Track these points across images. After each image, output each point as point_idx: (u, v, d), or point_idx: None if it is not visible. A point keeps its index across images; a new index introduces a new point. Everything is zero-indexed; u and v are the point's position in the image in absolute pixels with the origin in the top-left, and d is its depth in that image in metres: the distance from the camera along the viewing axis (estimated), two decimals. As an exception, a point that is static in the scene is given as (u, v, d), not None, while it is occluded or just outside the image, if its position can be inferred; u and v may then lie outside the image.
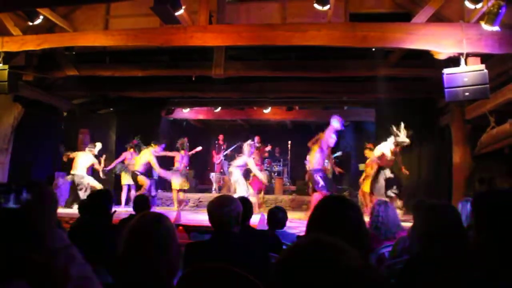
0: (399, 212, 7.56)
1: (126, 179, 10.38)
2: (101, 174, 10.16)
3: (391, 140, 8.33)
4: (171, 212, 8.18)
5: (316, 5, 6.44)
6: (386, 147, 8.40)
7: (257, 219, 6.06)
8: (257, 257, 2.52)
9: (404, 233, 3.71)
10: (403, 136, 8.21)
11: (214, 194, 11.93)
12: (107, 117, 12.05)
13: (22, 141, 9.81)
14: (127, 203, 9.96)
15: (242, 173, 9.49)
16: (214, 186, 13.39)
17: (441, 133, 9.82)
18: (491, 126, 7.39)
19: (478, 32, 6.04)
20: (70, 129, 11.47)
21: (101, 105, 11.85)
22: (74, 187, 9.78)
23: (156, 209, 9.07)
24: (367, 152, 9.90)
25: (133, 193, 10.10)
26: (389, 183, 8.44)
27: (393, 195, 8.23)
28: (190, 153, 11.02)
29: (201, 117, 14.19)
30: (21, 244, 1.13)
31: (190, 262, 2.53)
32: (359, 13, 7.45)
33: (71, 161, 9.92)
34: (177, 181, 10.33)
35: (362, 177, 9.95)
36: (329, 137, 8.45)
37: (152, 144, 9.97)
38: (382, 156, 8.43)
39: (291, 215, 6.12)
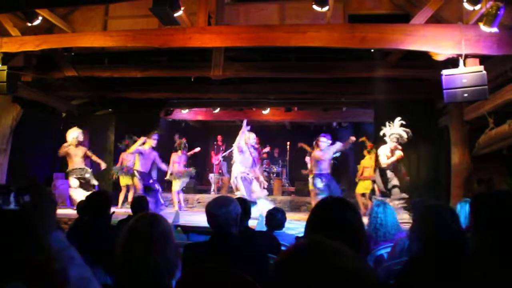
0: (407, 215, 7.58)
1: (125, 181, 10.37)
2: (102, 165, 10.10)
3: (388, 138, 8.33)
4: (170, 213, 8.18)
5: (315, 6, 6.44)
6: (386, 149, 8.40)
7: (255, 221, 6.06)
8: (255, 258, 2.52)
9: (403, 234, 3.71)
10: (397, 128, 8.24)
11: (212, 195, 11.93)
12: (106, 118, 12.04)
13: (21, 142, 9.80)
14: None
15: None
16: (213, 187, 13.39)
17: (440, 134, 9.83)
18: (490, 127, 7.40)
19: (476, 34, 6.05)
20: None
21: (99, 106, 11.84)
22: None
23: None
24: (366, 160, 10.01)
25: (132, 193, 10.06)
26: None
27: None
28: (189, 153, 11.01)
29: (200, 118, 14.18)
30: (20, 246, 1.13)
31: (189, 263, 2.53)
32: (358, 14, 7.46)
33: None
34: (177, 183, 10.33)
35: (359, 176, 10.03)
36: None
37: (147, 141, 9.81)
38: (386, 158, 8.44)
39: (290, 216, 6.12)
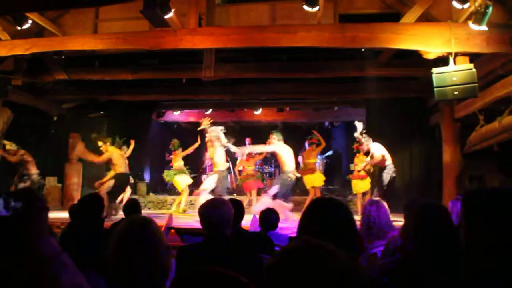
0: None
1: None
2: None
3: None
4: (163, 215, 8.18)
5: (305, 7, 6.46)
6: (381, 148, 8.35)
7: (249, 221, 6.06)
8: (249, 259, 2.52)
9: (396, 232, 3.72)
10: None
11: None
12: (98, 121, 11.99)
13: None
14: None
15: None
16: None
17: (431, 132, 9.89)
18: (480, 124, 7.45)
19: (466, 32, 6.10)
20: (60, 133, 11.40)
21: (91, 109, 11.80)
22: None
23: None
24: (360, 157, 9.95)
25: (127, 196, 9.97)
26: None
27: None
28: (185, 153, 10.89)
29: (192, 119, 14.14)
30: (11, 252, 1.13)
31: (183, 265, 2.53)
32: (348, 14, 7.47)
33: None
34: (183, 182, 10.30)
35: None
36: None
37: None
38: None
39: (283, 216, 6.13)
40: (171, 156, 10.98)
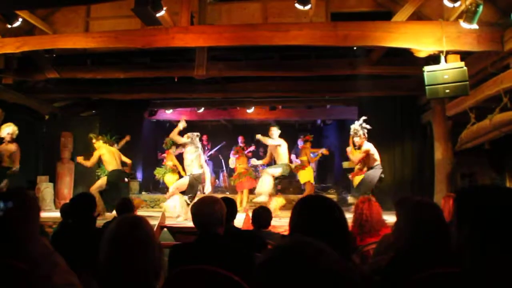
0: None
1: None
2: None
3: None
4: (155, 214, 8.15)
5: (297, 5, 6.45)
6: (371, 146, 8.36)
7: (242, 219, 6.07)
8: (241, 258, 2.52)
9: (388, 230, 3.74)
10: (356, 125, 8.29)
11: (199, 195, 11.88)
12: (90, 120, 11.93)
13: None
14: None
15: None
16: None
17: (423, 130, 9.93)
18: (472, 122, 7.49)
19: (457, 30, 6.14)
20: (52, 132, 11.33)
21: (83, 107, 11.74)
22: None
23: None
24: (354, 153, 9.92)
25: None
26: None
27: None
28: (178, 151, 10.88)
29: (184, 118, 14.11)
30: (3, 252, 1.12)
31: (176, 264, 2.53)
32: (340, 12, 7.49)
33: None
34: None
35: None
36: None
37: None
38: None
39: (275, 214, 6.15)
40: (164, 155, 10.95)
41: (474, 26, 5.79)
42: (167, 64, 9.11)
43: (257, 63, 8.91)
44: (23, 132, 10.41)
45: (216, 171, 14.34)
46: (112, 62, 9.20)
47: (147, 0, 5.80)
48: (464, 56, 6.52)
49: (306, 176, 9.57)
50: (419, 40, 6.30)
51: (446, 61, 6.25)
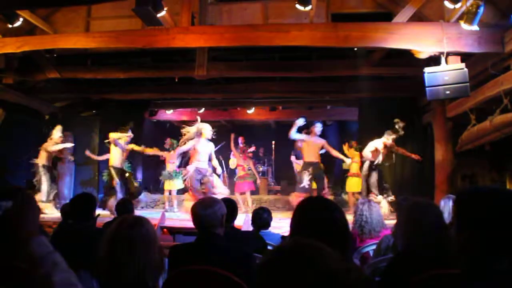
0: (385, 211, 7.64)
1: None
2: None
3: (387, 135, 8.36)
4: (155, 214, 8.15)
5: (298, 6, 6.46)
6: (380, 142, 8.43)
7: (242, 220, 6.06)
8: (241, 259, 2.52)
9: (388, 231, 3.74)
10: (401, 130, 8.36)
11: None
12: (90, 120, 11.92)
13: (2, 145, 9.66)
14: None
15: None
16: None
17: (423, 131, 9.92)
18: (472, 123, 7.48)
19: (457, 31, 6.13)
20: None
21: (83, 107, 11.73)
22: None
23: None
24: (350, 152, 9.93)
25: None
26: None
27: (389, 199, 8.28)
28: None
29: (184, 118, 14.09)
30: (3, 252, 1.12)
31: (175, 264, 2.52)
32: (341, 13, 7.49)
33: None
34: (169, 183, 10.32)
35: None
36: None
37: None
38: (375, 151, 8.46)
39: (275, 215, 6.15)
40: (164, 156, 10.97)
41: (475, 27, 5.79)
42: (167, 64, 9.11)
43: (258, 63, 8.90)
44: (23, 132, 10.43)
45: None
46: (112, 62, 9.20)
47: (148, 0, 5.80)
48: (465, 57, 6.51)
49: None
50: (420, 41, 6.30)
51: (446, 62, 6.24)
